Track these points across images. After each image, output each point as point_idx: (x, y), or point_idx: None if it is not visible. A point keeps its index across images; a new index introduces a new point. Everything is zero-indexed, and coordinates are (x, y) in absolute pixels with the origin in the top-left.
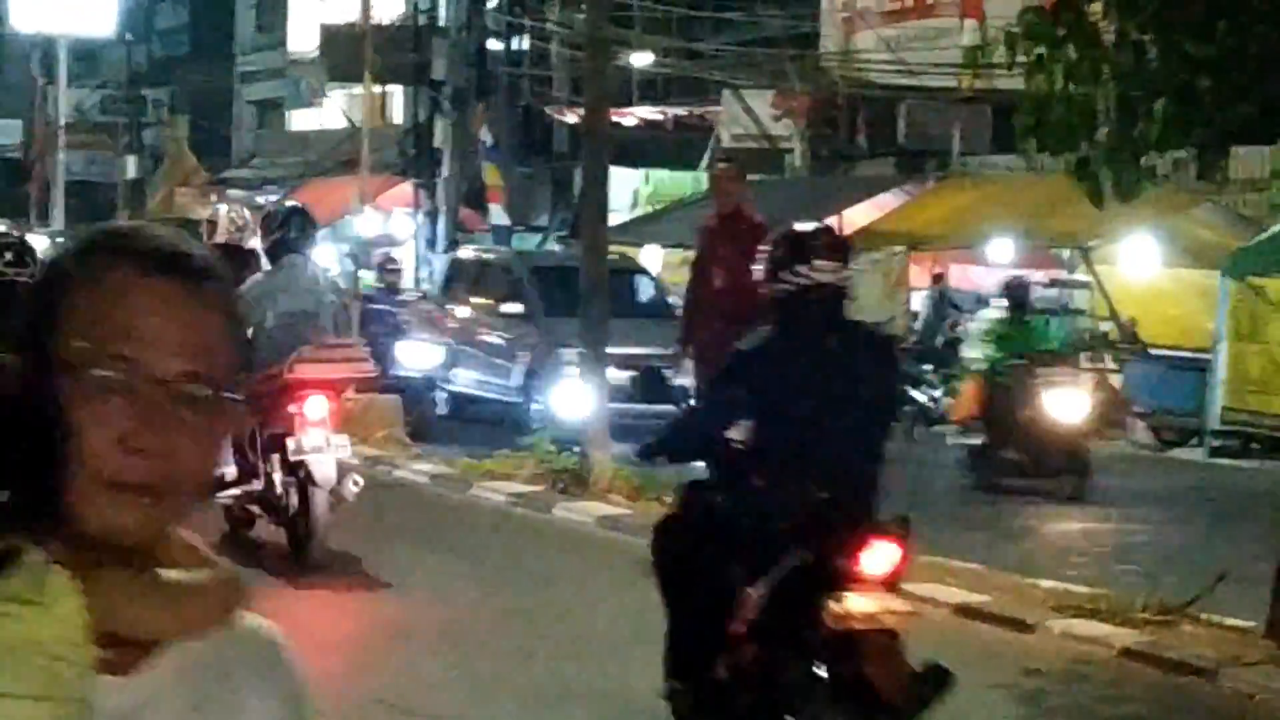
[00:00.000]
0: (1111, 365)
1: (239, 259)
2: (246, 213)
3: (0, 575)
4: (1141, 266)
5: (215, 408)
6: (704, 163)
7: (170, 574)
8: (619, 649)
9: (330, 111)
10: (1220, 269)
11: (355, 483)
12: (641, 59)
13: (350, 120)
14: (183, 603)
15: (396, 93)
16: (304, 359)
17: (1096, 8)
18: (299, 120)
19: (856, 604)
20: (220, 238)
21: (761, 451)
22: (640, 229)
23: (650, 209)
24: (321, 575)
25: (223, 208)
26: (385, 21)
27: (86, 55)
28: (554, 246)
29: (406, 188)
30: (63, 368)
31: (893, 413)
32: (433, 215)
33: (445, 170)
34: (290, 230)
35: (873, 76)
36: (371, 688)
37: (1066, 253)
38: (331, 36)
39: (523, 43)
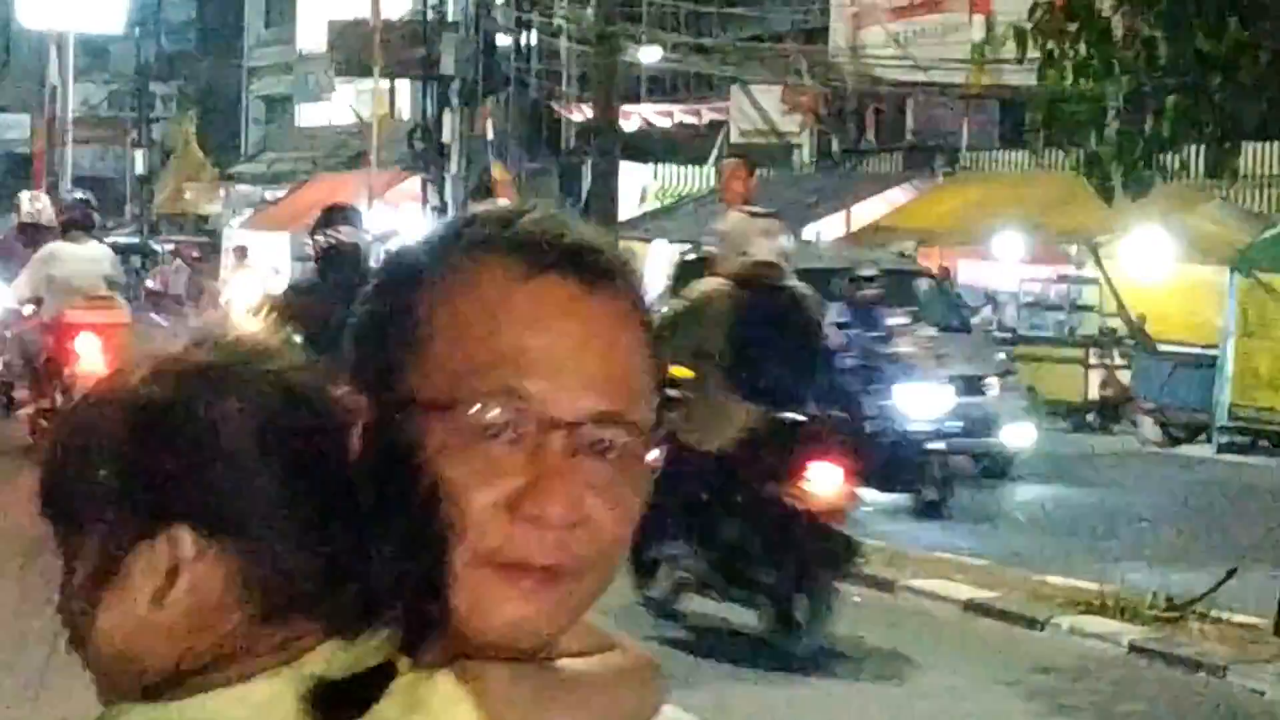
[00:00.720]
0: (1120, 361)
1: (38, 233)
2: (45, 197)
3: (372, 699)
4: (1150, 262)
5: (635, 459)
6: (712, 158)
7: (573, 665)
8: None
9: (338, 106)
10: (1229, 265)
11: None
12: (650, 55)
13: (358, 115)
14: (594, 702)
15: (404, 88)
16: (76, 307)
17: (1108, 4)
18: (307, 115)
19: None
20: (22, 218)
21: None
22: (649, 224)
23: (659, 204)
24: None
25: (24, 194)
26: (394, 17)
27: (95, 50)
28: None
29: (414, 183)
30: (426, 408)
31: None
32: (441, 210)
33: (453, 165)
34: (76, 214)
35: (881, 72)
36: None
37: (1075, 248)
38: (340, 32)
39: (531, 38)
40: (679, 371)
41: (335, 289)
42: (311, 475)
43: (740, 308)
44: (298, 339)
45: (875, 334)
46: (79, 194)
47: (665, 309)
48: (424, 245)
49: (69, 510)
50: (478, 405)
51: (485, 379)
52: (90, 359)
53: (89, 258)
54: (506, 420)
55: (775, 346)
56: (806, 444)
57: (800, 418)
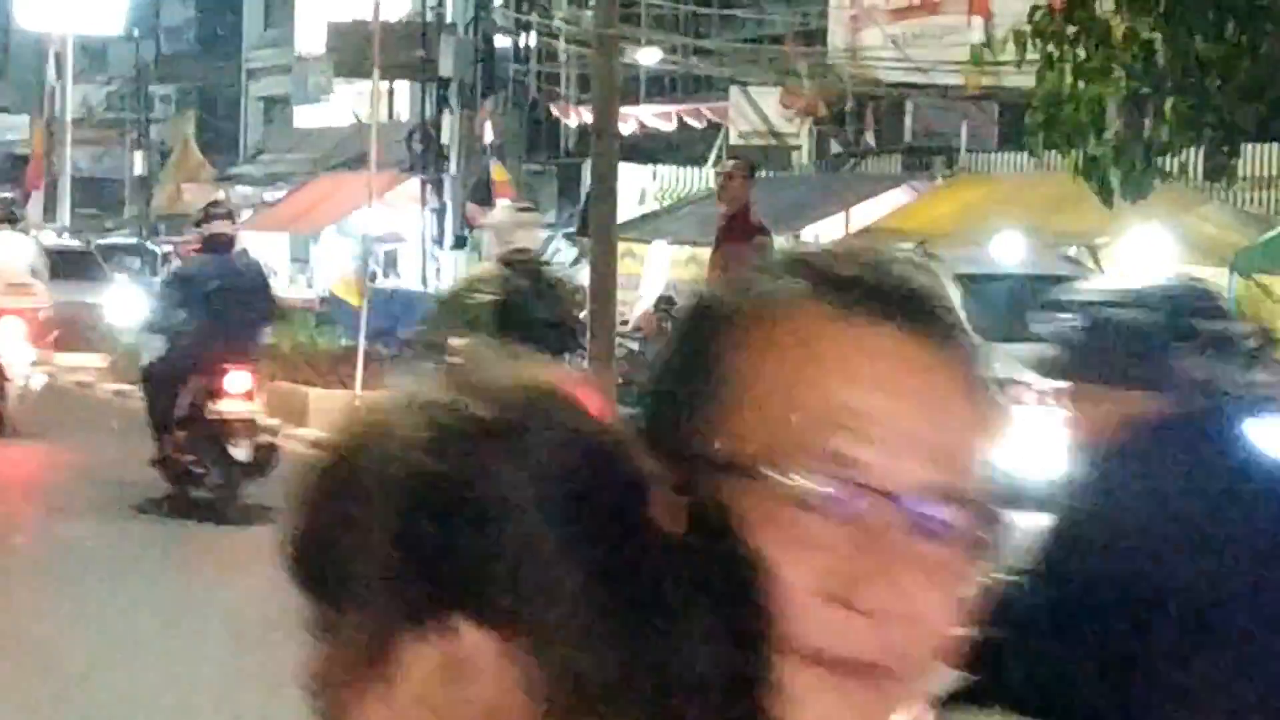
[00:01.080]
0: None
1: None
2: None
3: None
4: (1149, 265)
5: (969, 539)
6: (711, 159)
7: None
8: None
9: (337, 108)
10: (1228, 267)
11: (38, 381)
12: (649, 56)
13: (357, 116)
14: None
15: (403, 89)
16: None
17: (1107, 6)
18: (305, 117)
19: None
20: None
21: (194, 330)
22: (648, 225)
23: (658, 206)
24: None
25: None
26: (393, 18)
27: (94, 52)
28: (560, 243)
29: (414, 184)
30: (733, 473)
31: (270, 305)
32: (440, 212)
33: (452, 166)
34: (6, 211)
35: (880, 74)
36: None
37: (1073, 250)
38: (339, 33)
39: (530, 40)
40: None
41: (216, 268)
42: (616, 556)
43: (504, 286)
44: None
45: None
46: (4, 194)
47: (448, 286)
48: (735, 286)
49: (333, 585)
50: (798, 472)
51: (807, 442)
52: (11, 340)
53: (10, 248)
54: (831, 491)
55: (530, 317)
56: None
57: None
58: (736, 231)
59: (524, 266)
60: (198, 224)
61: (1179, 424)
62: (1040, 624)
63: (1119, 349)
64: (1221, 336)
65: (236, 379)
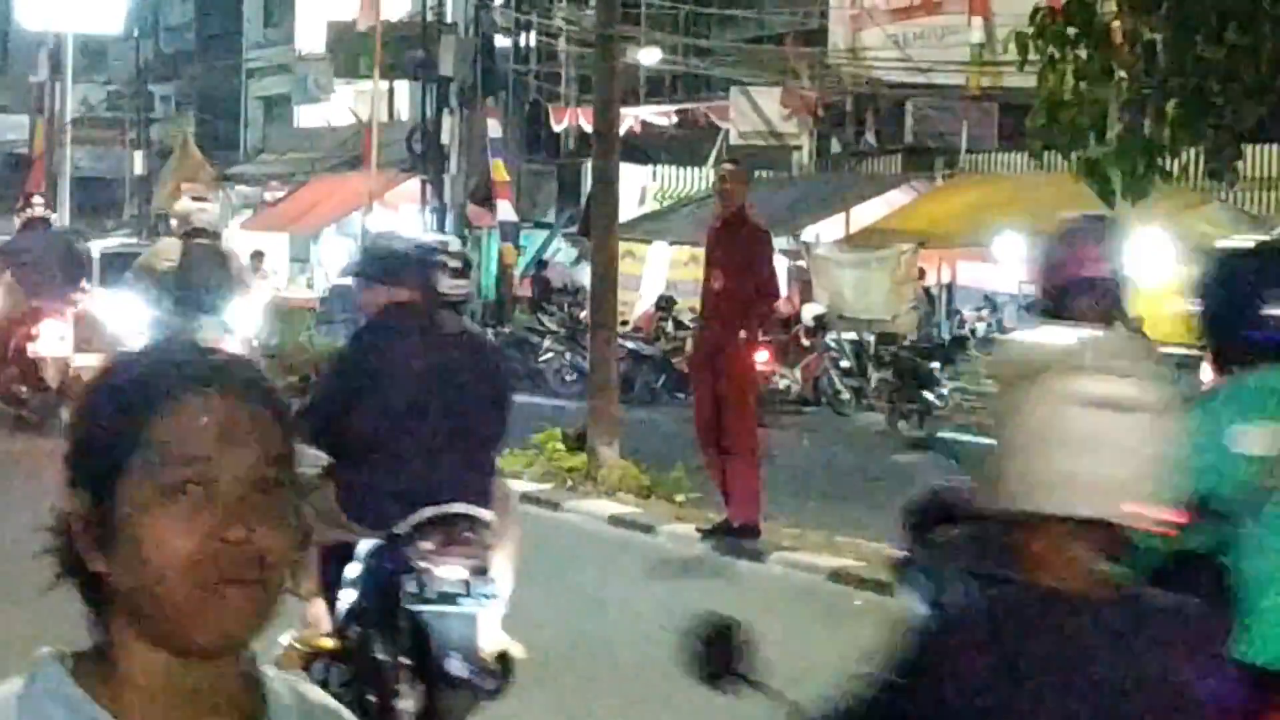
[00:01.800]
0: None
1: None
2: None
3: None
4: (1150, 265)
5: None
6: (711, 160)
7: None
8: (635, 644)
9: (337, 107)
10: None
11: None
12: (649, 56)
13: (357, 116)
14: None
15: (403, 89)
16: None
17: (1109, 8)
18: (306, 116)
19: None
20: None
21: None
22: (648, 226)
23: (658, 206)
24: None
25: None
26: (393, 18)
27: (94, 51)
28: (560, 243)
29: (414, 184)
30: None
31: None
32: (440, 212)
33: (453, 167)
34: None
35: (880, 74)
36: None
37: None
38: (339, 32)
39: (530, 39)
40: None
41: (36, 244)
42: None
43: (184, 254)
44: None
45: None
46: (38, 196)
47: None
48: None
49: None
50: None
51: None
52: (53, 342)
53: (50, 249)
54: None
55: (204, 281)
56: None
57: None
58: (732, 235)
59: (200, 242)
60: (18, 210)
61: (408, 309)
62: None
63: (384, 260)
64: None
65: (49, 326)
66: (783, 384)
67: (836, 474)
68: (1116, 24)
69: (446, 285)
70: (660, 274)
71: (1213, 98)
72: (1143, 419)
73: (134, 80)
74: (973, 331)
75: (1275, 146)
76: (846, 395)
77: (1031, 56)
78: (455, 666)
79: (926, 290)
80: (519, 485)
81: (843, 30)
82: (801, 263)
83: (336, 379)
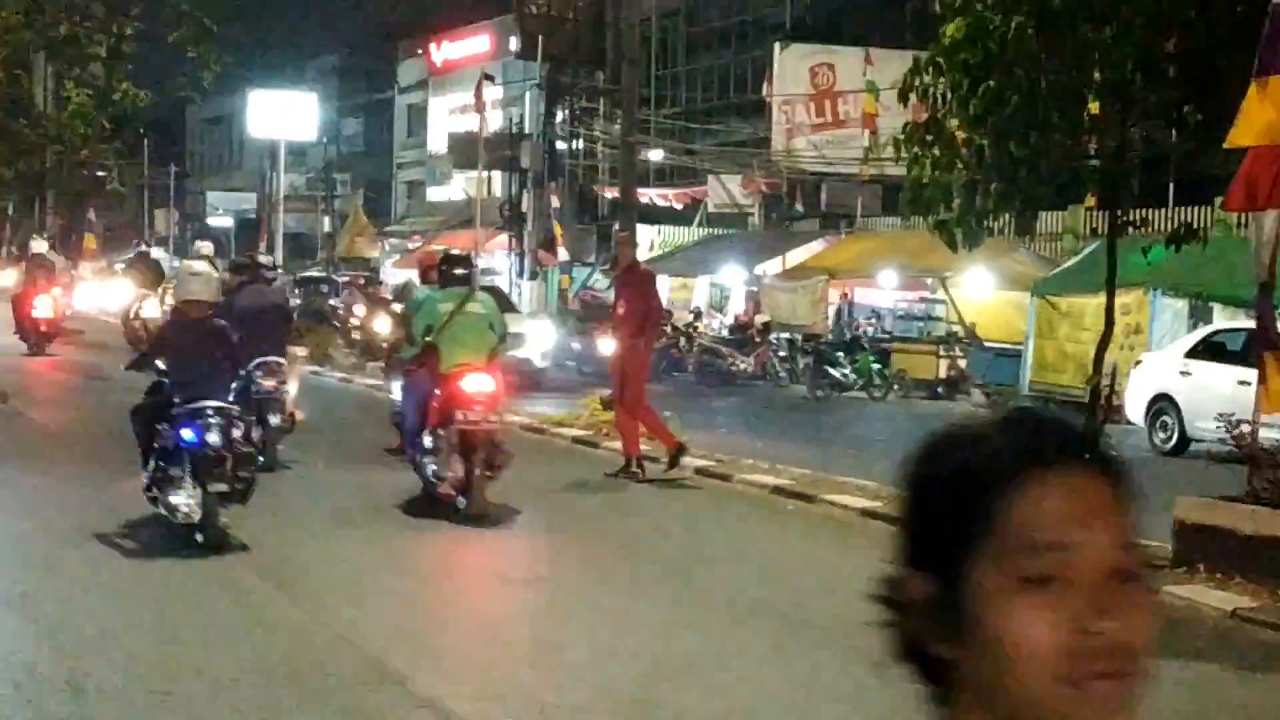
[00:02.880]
0: (959, 353)
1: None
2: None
3: None
4: (979, 289)
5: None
6: (696, 223)
7: None
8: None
9: (455, 188)
10: (1029, 291)
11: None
12: (656, 155)
13: (468, 194)
14: None
15: (497, 176)
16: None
17: (953, 122)
18: (434, 194)
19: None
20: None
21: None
22: (655, 265)
23: (661, 252)
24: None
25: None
26: (492, 130)
27: (297, 151)
28: (598, 275)
29: (504, 237)
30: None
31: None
32: (520, 255)
33: (528, 226)
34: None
35: (804, 166)
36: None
37: (930, 280)
38: (456, 140)
39: (579, 143)
40: None
41: (254, 302)
42: None
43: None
44: None
45: None
46: (263, 256)
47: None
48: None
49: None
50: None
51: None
52: (281, 379)
53: (262, 297)
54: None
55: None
56: None
57: None
58: (628, 279)
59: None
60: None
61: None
62: None
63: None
64: None
65: (264, 365)
66: (741, 366)
67: (775, 425)
68: (959, 133)
69: (268, 274)
70: (661, 295)
71: (1019, 182)
72: None
73: (323, 170)
74: (865, 333)
75: (1058, 214)
76: (783, 374)
77: (903, 155)
78: (272, 420)
79: (846, 307)
80: (571, 432)
81: (781, 138)
82: (755, 288)
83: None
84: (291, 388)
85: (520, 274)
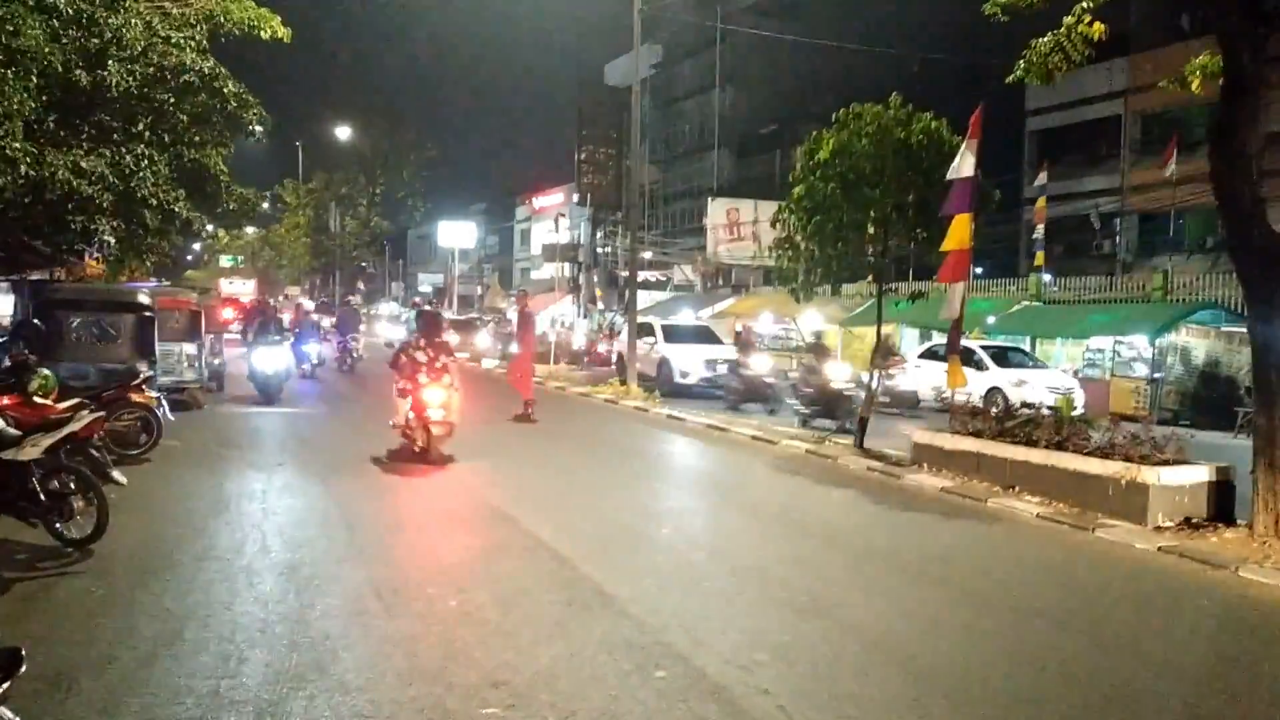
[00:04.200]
0: (803, 357)
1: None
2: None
3: None
4: (812, 324)
5: None
6: (667, 290)
7: None
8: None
9: (545, 271)
10: (840, 325)
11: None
12: (647, 254)
13: (555, 275)
14: None
15: (566, 265)
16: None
17: (799, 238)
18: (534, 275)
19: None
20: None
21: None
22: (646, 311)
23: (651, 304)
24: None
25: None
26: (563, 242)
27: (464, 252)
28: (616, 318)
29: (569, 296)
30: None
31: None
32: (579, 306)
33: (583, 291)
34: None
35: (725, 259)
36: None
37: (788, 319)
38: (546, 248)
39: (608, 248)
40: None
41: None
42: None
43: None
44: None
45: None
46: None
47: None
48: None
49: None
50: None
51: None
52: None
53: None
54: None
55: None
56: None
57: None
58: (524, 319)
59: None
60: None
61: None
62: None
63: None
64: None
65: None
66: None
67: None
68: (802, 244)
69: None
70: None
71: (832, 270)
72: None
73: (477, 266)
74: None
75: (856, 285)
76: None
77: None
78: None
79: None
80: (604, 394)
81: (711, 246)
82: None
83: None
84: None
85: (580, 315)
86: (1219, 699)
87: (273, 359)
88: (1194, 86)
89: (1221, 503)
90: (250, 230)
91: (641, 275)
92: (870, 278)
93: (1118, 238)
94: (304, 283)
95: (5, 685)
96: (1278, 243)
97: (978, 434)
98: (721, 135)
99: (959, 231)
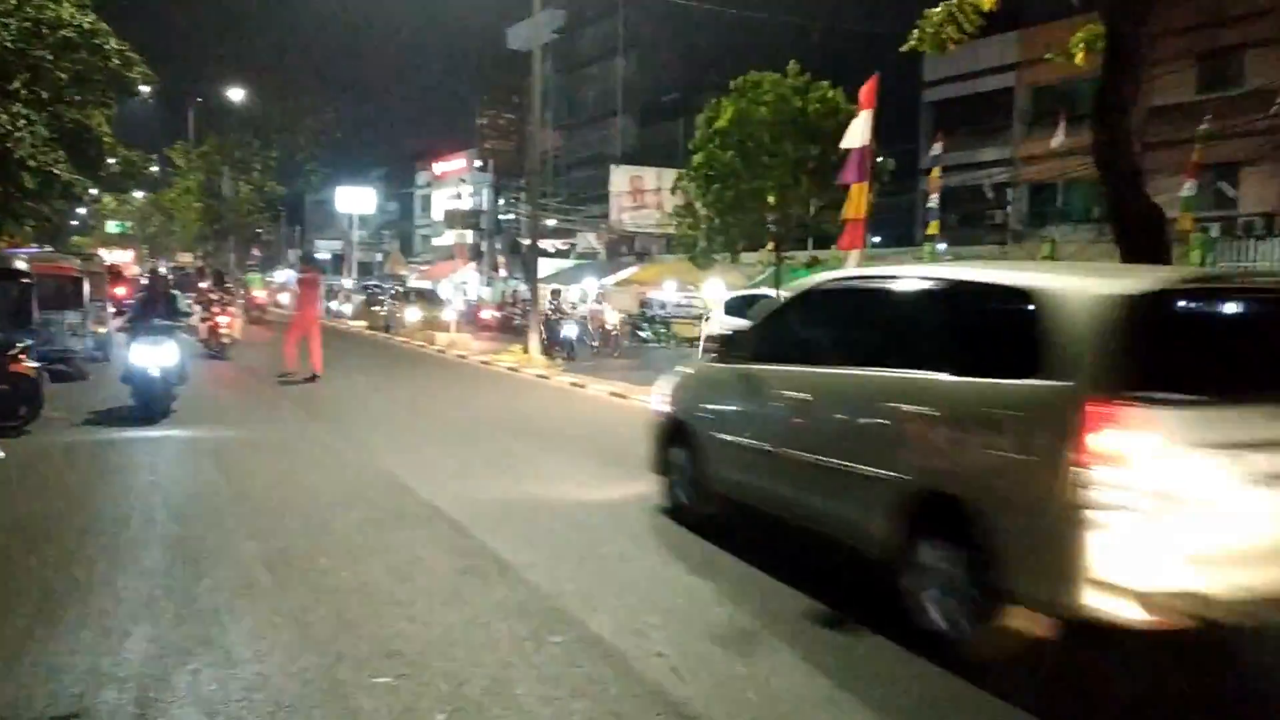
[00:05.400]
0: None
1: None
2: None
3: None
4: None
5: None
6: (571, 257)
7: None
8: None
9: (446, 238)
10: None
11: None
12: (551, 221)
13: (455, 243)
14: None
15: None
16: None
17: (699, 205)
18: (436, 241)
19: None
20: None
21: None
22: (550, 279)
23: (554, 271)
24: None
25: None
26: (465, 208)
27: (364, 218)
28: (519, 285)
29: (471, 264)
30: None
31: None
32: (482, 274)
33: (485, 259)
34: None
35: (629, 227)
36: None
37: (690, 285)
38: (448, 214)
39: (510, 215)
40: None
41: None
42: None
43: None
44: None
45: None
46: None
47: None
48: None
49: None
50: None
51: None
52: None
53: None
54: None
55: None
56: None
57: None
58: (308, 281)
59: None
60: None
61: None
62: None
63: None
64: None
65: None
66: (603, 336)
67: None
68: (702, 210)
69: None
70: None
71: (731, 237)
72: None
73: (376, 229)
74: (658, 314)
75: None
76: (625, 341)
77: (675, 221)
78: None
79: (644, 300)
80: (508, 361)
81: (615, 213)
82: (601, 290)
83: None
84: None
85: (483, 284)
86: None
87: (157, 354)
88: (1078, 59)
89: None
90: (139, 195)
91: (545, 243)
92: (770, 245)
93: (1009, 208)
94: (197, 250)
95: None
96: (1155, 212)
97: None
98: (625, 102)
99: (856, 200)
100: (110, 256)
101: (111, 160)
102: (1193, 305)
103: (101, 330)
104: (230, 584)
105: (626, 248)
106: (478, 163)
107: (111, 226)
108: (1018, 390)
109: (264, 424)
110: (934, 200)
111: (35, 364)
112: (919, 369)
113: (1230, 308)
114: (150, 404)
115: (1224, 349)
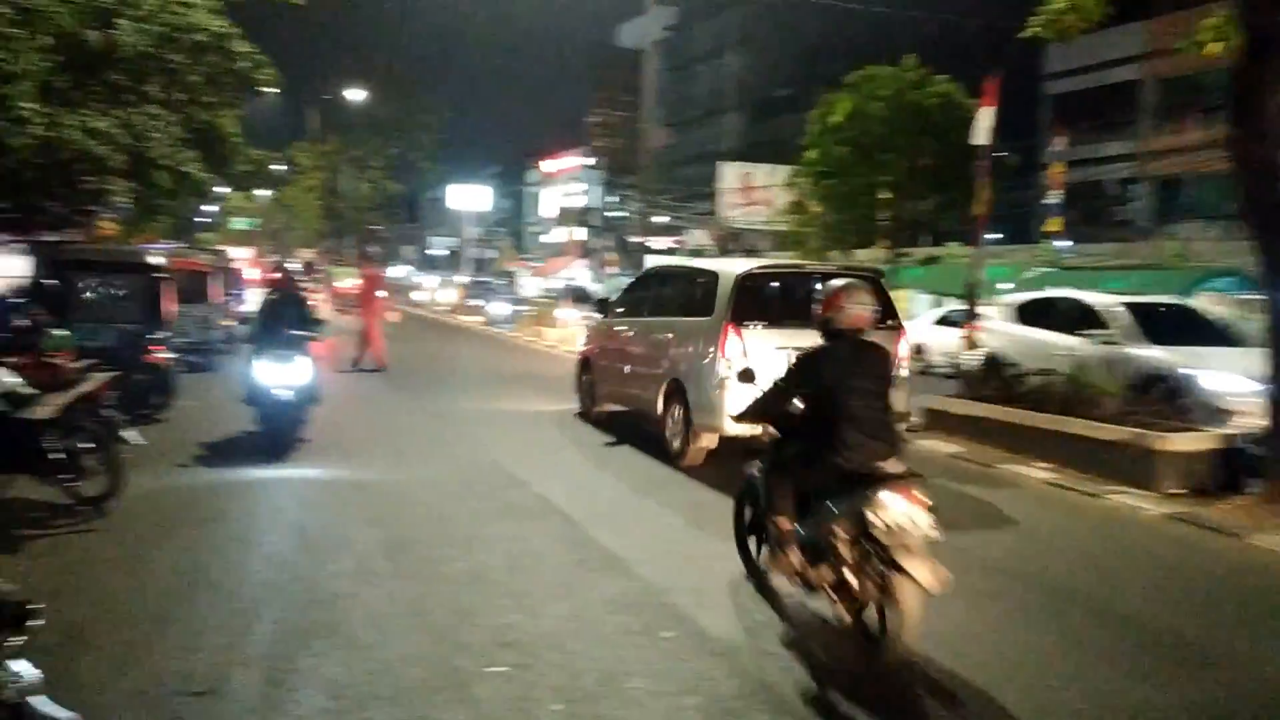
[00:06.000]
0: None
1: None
2: None
3: None
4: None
5: None
6: (680, 253)
7: None
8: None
9: (557, 235)
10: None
11: None
12: (662, 219)
13: (568, 239)
14: None
15: (580, 229)
16: None
17: (811, 202)
18: (545, 239)
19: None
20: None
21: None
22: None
23: None
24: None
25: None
26: (577, 206)
27: (479, 215)
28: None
29: (583, 260)
30: None
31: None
32: (592, 269)
33: (595, 254)
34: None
35: (738, 224)
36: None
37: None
38: (562, 212)
39: (621, 212)
40: None
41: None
42: None
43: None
44: None
45: None
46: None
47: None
48: None
49: None
50: None
51: None
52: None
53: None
54: None
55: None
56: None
57: None
58: (370, 280)
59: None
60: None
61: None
62: None
63: None
64: None
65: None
66: None
67: None
68: (814, 208)
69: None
70: None
71: (844, 234)
72: None
73: (490, 226)
74: None
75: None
76: None
77: (786, 218)
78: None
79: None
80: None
81: (723, 210)
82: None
83: None
84: None
85: (595, 280)
86: (1225, 671)
87: (285, 373)
88: (1209, 49)
89: (1232, 471)
90: (264, 193)
91: (654, 240)
92: (883, 243)
93: (1138, 203)
94: (316, 246)
95: (21, 639)
96: None
97: (988, 400)
98: (736, 98)
99: (979, 196)
100: (232, 253)
101: (240, 159)
102: (761, 279)
103: (229, 324)
104: (352, 571)
105: (733, 244)
106: (588, 160)
107: (240, 223)
108: (702, 322)
109: (376, 415)
110: (1055, 196)
111: (170, 355)
112: (674, 315)
113: (778, 281)
114: (275, 435)
115: (773, 299)
